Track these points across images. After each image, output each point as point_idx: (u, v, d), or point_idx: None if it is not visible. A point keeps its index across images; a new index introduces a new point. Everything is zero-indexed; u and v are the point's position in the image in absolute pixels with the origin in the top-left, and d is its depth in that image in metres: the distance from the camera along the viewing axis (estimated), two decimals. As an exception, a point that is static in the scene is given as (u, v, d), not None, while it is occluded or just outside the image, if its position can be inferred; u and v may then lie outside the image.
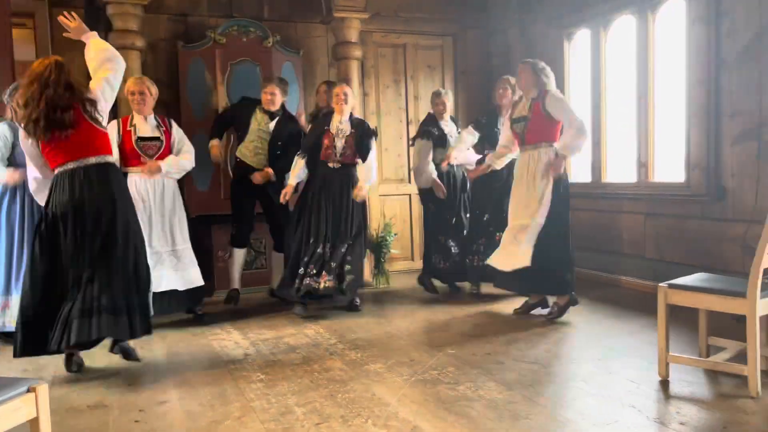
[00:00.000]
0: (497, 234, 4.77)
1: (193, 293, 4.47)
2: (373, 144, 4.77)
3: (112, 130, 4.22)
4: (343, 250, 4.59)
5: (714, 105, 4.50)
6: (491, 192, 4.95)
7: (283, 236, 4.86)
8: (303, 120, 5.40)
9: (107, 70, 3.44)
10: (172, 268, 4.35)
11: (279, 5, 5.87)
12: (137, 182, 4.25)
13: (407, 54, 6.42)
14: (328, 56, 6.04)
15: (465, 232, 5.17)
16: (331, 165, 4.66)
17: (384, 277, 5.67)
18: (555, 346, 3.68)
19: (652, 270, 5.03)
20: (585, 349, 3.65)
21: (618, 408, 2.73)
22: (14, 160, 4.15)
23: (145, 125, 4.34)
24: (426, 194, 5.19)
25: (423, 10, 6.34)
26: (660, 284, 3.07)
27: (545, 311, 4.39)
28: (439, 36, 6.51)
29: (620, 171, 5.49)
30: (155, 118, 4.41)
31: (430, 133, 5.11)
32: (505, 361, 3.41)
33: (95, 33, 3.54)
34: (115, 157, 3.93)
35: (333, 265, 4.53)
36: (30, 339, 3.24)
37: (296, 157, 4.71)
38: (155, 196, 4.31)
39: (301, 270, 4.52)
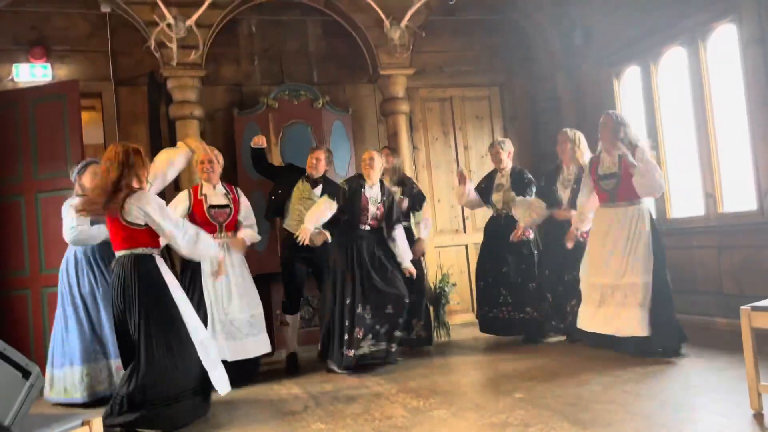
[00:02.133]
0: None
1: (254, 360, 4.45)
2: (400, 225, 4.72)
3: (182, 200, 4.37)
4: (388, 311, 4.45)
5: (780, 125, 4.29)
6: (566, 250, 4.65)
7: None
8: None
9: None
10: (251, 335, 4.34)
11: (327, 69, 6.09)
12: None
13: (454, 106, 6.48)
14: (377, 113, 6.17)
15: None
16: (363, 227, 4.59)
17: (444, 330, 5.50)
18: (632, 387, 3.41)
19: (732, 307, 4.67)
20: (666, 388, 3.37)
21: (709, 443, 2.47)
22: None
23: (215, 193, 4.42)
24: None
25: (467, 63, 6.45)
26: (742, 307, 2.83)
27: None
28: (485, 87, 6.57)
29: (686, 205, 5.25)
30: (223, 186, 4.52)
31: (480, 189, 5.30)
32: (578, 403, 3.19)
33: None
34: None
35: (378, 328, 4.44)
36: None
37: (326, 202, 4.55)
38: (232, 261, 4.35)
39: (347, 336, 4.36)
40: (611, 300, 4.13)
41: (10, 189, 5.08)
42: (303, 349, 5.17)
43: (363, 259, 4.49)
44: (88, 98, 5.64)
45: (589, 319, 4.24)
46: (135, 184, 3.37)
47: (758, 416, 2.73)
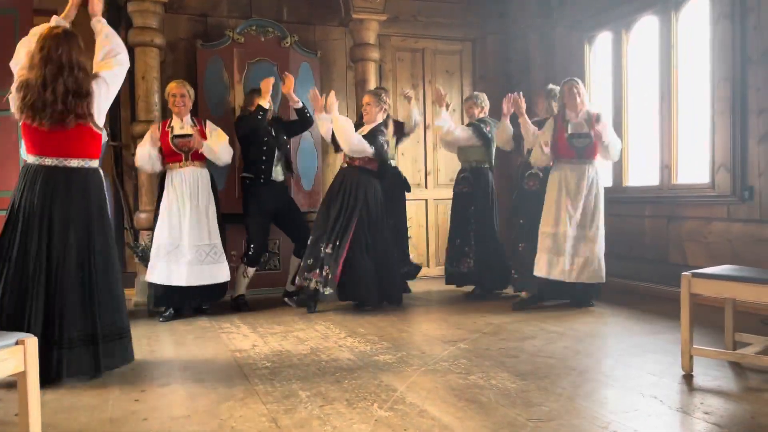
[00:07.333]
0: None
1: (212, 289, 4.52)
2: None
3: (153, 131, 4.52)
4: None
5: (740, 102, 4.37)
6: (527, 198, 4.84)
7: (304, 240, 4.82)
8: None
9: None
10: (206, 263, 4.41)
11: (298, 7, 5.89)
12: (174, 177, 4.42)
13: (425, 58, 6.39)
14: (346, 59, 6.03)
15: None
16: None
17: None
18: (573, 344, 3.53)
19: (676, 276, 4.82)
20: (604, 346, 3.50)
21: (638, 398, 2.58)
22: None
23: (181, 125, 4.51)
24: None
25: (442, 14, 6.32)
26: (684, 273, 2.93)
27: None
28: (459, 41, 6.48)
29: (642, 175, 5.35)
30: (192, 119, 4.58)
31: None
32: (520, 356, 3.28)
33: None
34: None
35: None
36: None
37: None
38: (192, 190, 4.43)
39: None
40: (573, 250, 4.40)
41: (-44, 105, 4.83)
42: (255, 291, 5.18)
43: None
44: (43, 15, 5.32)
45: (547, 267, 4.42)
46: None
47: (688, 377, 2.85)
